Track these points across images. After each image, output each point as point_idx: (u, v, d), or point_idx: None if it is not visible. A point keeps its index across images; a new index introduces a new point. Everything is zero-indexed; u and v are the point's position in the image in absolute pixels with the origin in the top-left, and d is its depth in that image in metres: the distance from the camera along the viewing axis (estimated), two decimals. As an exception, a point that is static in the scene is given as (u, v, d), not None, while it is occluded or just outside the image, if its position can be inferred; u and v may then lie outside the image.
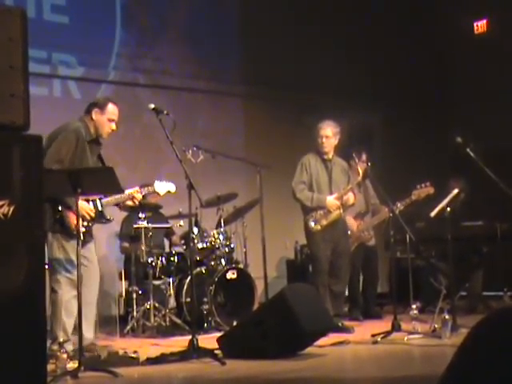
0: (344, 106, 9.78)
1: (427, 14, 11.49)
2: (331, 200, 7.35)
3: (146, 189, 6.13)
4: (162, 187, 6.28)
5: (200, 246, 7.65)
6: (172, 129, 5.64)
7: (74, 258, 5.49)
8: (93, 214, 5.73)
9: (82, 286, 5.62)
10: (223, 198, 7.91)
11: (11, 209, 3.26)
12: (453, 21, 11.25)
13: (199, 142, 7.05)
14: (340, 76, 10.47)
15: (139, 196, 6.00)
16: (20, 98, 3.36)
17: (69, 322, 5.55)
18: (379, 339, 6.13)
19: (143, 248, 7.49)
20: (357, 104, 10.41)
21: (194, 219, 7.61)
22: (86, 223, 5.70)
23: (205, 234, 7.75)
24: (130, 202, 6.10)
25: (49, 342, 5.30)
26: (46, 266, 6.66)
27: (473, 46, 11.18)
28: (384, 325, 6.63)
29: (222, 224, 7.87)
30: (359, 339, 6.34)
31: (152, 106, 5.80)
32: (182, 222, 8.00)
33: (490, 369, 1.80)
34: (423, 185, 7.55)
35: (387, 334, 6.21)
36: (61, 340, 5.44)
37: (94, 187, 5.34)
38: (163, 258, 7.69)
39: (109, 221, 6.04)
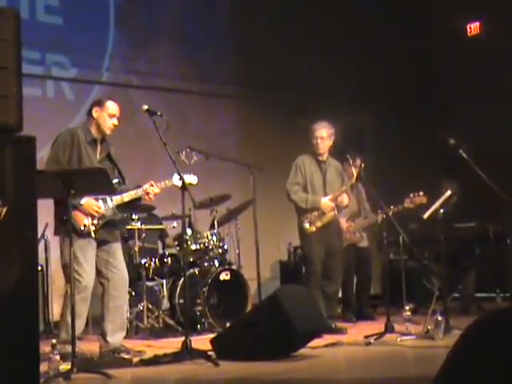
0: (337, 107, 9.78)
1: (420, 15, 11.51)
2: (326, 201, 7.35)
3: (163, 183, 5.97)
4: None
5: (193, 247, 7.65)
6: (165, 130, 5.64)
7: (83, 259, 5.55)
8: (102, 211, 5.70)
9: (109, 291, 5.76)
10: (216, 200, 7.91)
11: (3, 210, 3.25)
12: (446, 22, 11.27)
13: (193, 144, 7.05)
14: (333, 78, 10.48)
15: (156, 189, 5.87)
16: (13, 98, 3.36)
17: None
18: (372, 340, 6.14)
19: (136, 249, 7.48)
20: (350, 106, 10.42)
21: (187, 220, 7.61)
22: (96, 221, 5.70)
23: (198, 236, 7.75)
24: (146, 197, 6.00)
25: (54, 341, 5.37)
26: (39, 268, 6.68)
27: (466, 48, 11.20)
28: (377, 326, 6.64)
29: (216, 225, 7.87)
30: (352, 340, 6.34)
31: (145, 107, 5.81)
32: (175, 224, 8.00)
33: (482, 371, 1.81)
34: (416, 194, 7.53)
35: (380, 335, 6.21)
36: (53, 341, 5.43)
37: (87, 188, 5.34)
38: (156, 260, 7.68)
39: (122, 217, 5.99)
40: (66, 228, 5.58)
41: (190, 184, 5.98)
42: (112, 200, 5.80)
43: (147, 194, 5.89)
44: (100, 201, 5.75)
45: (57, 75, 8.96)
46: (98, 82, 9.26)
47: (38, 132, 3.35)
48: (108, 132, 5.91)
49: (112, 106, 5.92)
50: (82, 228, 5.56)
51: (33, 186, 3.41)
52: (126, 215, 6.06)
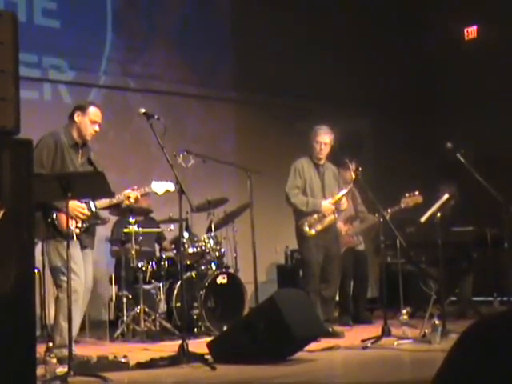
0: (335, 112, 9.79)
1: (417, 20, 11.53)
2: (326, 205, 7.33)
3: (142, 189, 5.97)
4: (160, 187, 6.06)
5: (190, 250, 7.64)
6: (163, 133, 5.64)
7: (72, 262, 5.46)
8: (87, 212, 5.67)
9: (76, 293, 5.64)
10: (214, 203, 7.90)
11: (1, 213, 3.25)
12: (443, 27, 11.29)
13: (190, 147, 7.05)
14: (331, 82, 10.48)
15: (135, 194, 5.86)
16: (10, 101, 3.36)
17: (67, 326, 5.49)
18: (369, 344, 6.13)
19: (133, 252, 7.48)
20: (348, 110, 10.43)
21: (184, 224, 7.61)
22: (80, 224, 5.66)
23: (195, 239, 7.75)
24: (126, 201, 5.99)
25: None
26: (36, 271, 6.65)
27: (463, 53, 11.22)
28: (374, 330, 6.63)
29: (213, 229, 7.87)
30: (349, 344, 6.33)
31: (143, 110, 5.79)
32: (172, 227, 8.00)
33: (479, 375, 1.81)
34: (412, 193, 7.55)
35: (377, 339, 6.21)
36: (50, 345, 5.42)
37: (85, 191, 5.32)
38: (153, 263, 7.68)
39: (104, 221, 5.99)
40: (49, 231, 5.56)
41: (168, 191, 6.04)
42: (94, 205, 5.77)
43: (128, 198, 5.88)
44: (84, 204, 5.70)
45: (54, 78, 8.96)
46: (96, 85, 9.27)
47: (35, 135, 3.35)
48: (89, 138, 5.83)
49: (94, 112, 5.82)
50: (67, 231, 5.30)
51: (30, 189, 3.40)
52: (106, 219, 6.04)
